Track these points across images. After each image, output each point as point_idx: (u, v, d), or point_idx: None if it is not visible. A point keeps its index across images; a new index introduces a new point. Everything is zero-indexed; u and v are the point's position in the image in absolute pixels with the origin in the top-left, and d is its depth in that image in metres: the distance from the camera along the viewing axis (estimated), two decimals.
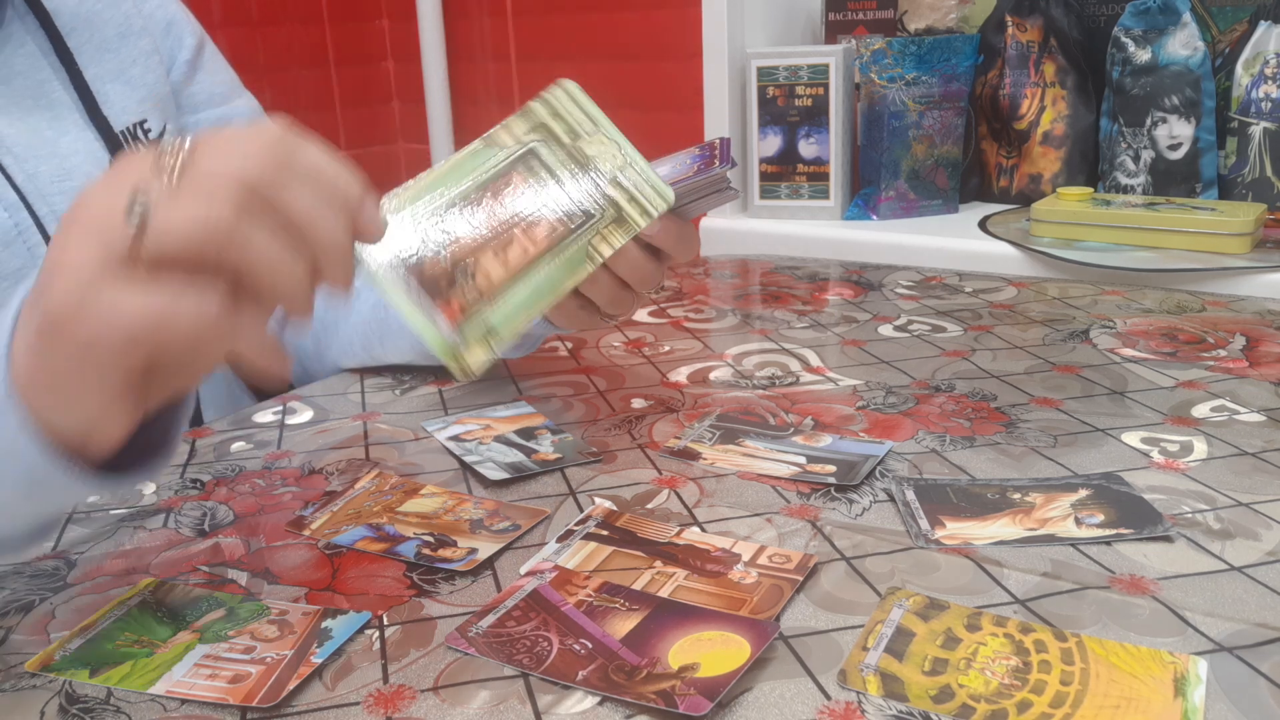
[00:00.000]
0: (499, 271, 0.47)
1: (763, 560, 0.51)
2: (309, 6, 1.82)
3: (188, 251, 0.37)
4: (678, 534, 0.55)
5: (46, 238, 0.66)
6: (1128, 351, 0.81)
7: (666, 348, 0.86)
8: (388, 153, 1.99)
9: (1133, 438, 0.64)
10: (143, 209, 0.37)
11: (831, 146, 1.31)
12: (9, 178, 0.65)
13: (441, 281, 0.46)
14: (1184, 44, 1.15)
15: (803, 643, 0.45)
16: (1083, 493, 0.57)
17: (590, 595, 0.49)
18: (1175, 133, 1.18)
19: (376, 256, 0.46)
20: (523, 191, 0.48)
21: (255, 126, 0.40)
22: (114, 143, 0.72)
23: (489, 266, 0.47)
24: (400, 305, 0.46)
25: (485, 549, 0.54)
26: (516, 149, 0.48)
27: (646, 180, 0.50)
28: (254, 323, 0.40)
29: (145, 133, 0.75)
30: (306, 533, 0.56)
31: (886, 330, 0.89)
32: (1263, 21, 1.14)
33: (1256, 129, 1.14)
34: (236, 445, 0.69)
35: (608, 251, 0.49)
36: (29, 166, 0.67)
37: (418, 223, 0.47)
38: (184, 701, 0.42)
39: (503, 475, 0.62)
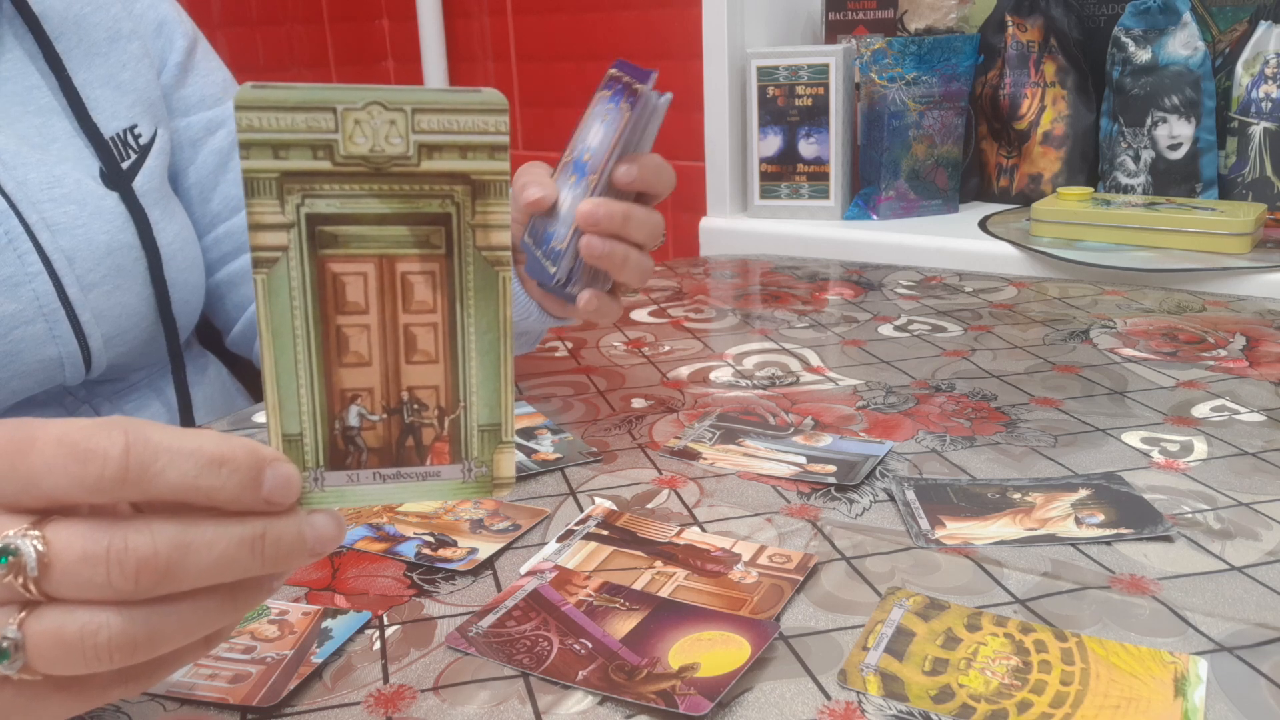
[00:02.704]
0: (435, 374, 0.36)
1: (763, 560, 0.51)
2: (309, 6, 1.82)
3: (79, 671, 0.31)
4: (678, 534, 0.54)
5: (36, 245, 0.66)
6: (1128, 351, 0.81)
7: (666, 348, 0.86)
8: None
9: (1133, 438, 0.64)
10: (11, 643, 0.30)
11: (831, 146, 1.31)
12: None
13: (399, 439, 0.36)
14: (1184, 44, 1.15)
15: (803, 643, 0.45)
16: (1083, 493, 0.57)
17: (590, 595, 0.49)
18: (1175, 133, 1.18)
19: (329, 482, 0.36)
20: (355, 272, 0.34)
21: (85, 460, 0.30)
22: (103, 149, 0.71)
23: (421, 379, 0.36)
24: (385, 499, 0.36)
25: (485, 549, 0.53)
26: (295, 238, 0.33)
27: (452, 106, 0.34)
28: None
29: (135, 138, 0.74)
30: None
31: (886, 330, 0.89)
32: (1263, 21, 1.14)
33: (1256, 129, 1.14)
34: None
35: (503, 236, 0.35)
36: (18, 174, 0.66)
37: (311, 416, 0.35)
38: (184, 702, 0.42)
39: None
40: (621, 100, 0.61)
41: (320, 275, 0.34)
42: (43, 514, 0.31)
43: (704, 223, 1.42)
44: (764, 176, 1.36)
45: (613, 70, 0.63)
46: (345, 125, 0.33)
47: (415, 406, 0.36)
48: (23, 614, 0.30)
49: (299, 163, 0.33)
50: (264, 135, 0.33)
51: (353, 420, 0.35)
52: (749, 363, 0.82)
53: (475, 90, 0.34)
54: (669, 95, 0.61)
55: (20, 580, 0.30)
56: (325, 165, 0.33)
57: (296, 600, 0.50)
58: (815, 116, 1.31)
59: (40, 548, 0.30)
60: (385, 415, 0.36)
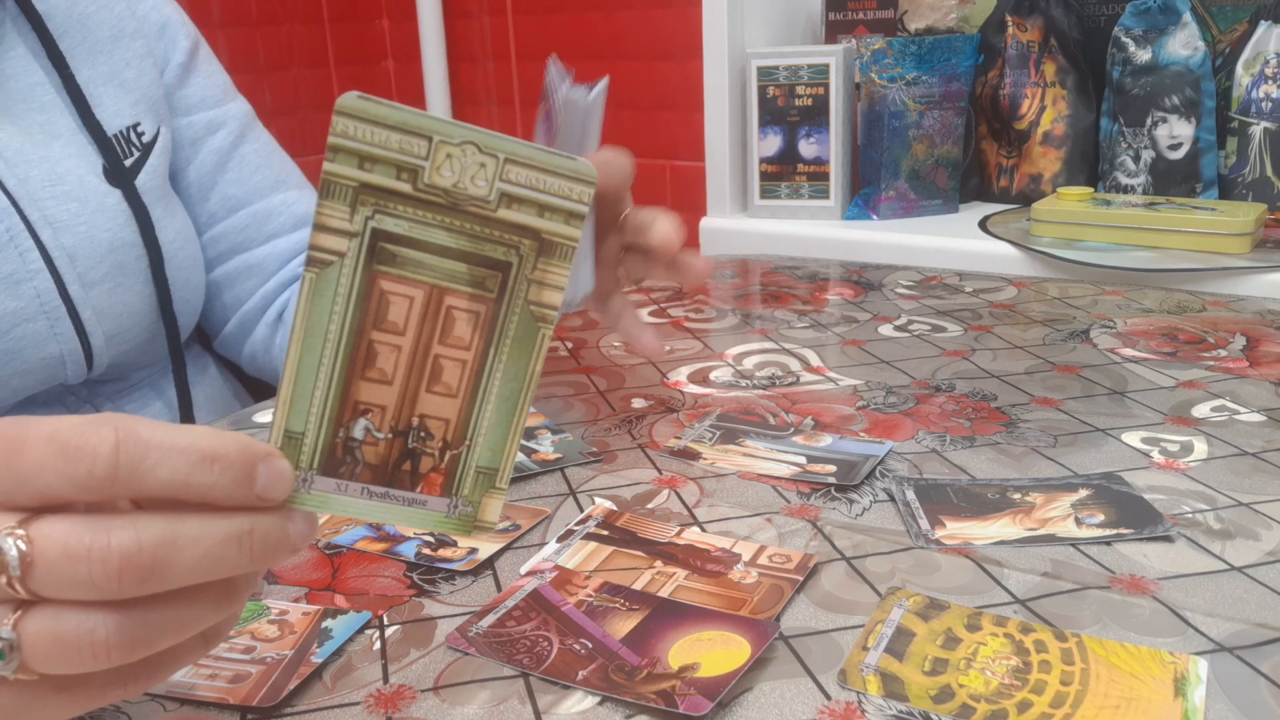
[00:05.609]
0: (450, 408, 0.36)
1: (763, 560, 0.51)
2: (309, 6, 1.82)
3: (76, 670, 0.31)
4: (678, 534, 0.55)
5: (38, 242, 0.66)
6: (1128, 351, 0.81)
7: (666, 348, 0.86)
8: None
9: (1133, 438, 0.64)
10: (6, 644, 0.30)
11: (831, 146, 1.31)
12: (0, 182, 0.65)
13: (396, 460, 0.36)
14: (1184, 44, 1.15)
15: (803, 643, 0.45)
16: (1083, 493, 0.57)
17: (590, 595, 0.49)
18: (1175, 133, 1.18)
19: (318, 486, 0.36)
20: (404, 294, 0.35)
21: (76, 454, 0.30)
22: (107, 146, 0.71)
23: (435, 410, 0.36)
24: (367, 515, 0.36)
25: (485, 549, 0.53)
26: (355, 247, 0.34)
27: (543, 166, 0.35)
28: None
29: (139, 136, 0.74)
30: None
31: (886, 330, 0.89)
32: (1263, 21, 1.14)
33: (1256, 129, 1.14)
34: None
35: (555, 297, 0.36)
36: (20, 171, 0.66)
37: (318, 419, 0.35)
38: (184, 702, 0.42)
39: None
40: (542, 115, 0.59)
41: (369, 289, 0.35)
42: (35, 512, 0.31)
43: (704, 223, 1.42)
44: (764, 176, 1.36)
45: (547, 82, 0.61)
46: (436, 155, 0.34)
47: (422, 434, 0.36)
48: (17, 614, 0.30)
49: (381, 179, 0.34)
50: (354, 144, 0.33)
51: (357, 433, 0.36)
52: (749, 363, 0.82)
53: (570, 157, 0.35)
54: (600, 84, 0.57)
55: (4, 579, 0.30)
56: (405, 188, 0.34)
57: (296, 600, 0.50)
58: (815, 116, 1.31)
59: (23, 546, 0.30)
60: (390, 435, 0.36)
